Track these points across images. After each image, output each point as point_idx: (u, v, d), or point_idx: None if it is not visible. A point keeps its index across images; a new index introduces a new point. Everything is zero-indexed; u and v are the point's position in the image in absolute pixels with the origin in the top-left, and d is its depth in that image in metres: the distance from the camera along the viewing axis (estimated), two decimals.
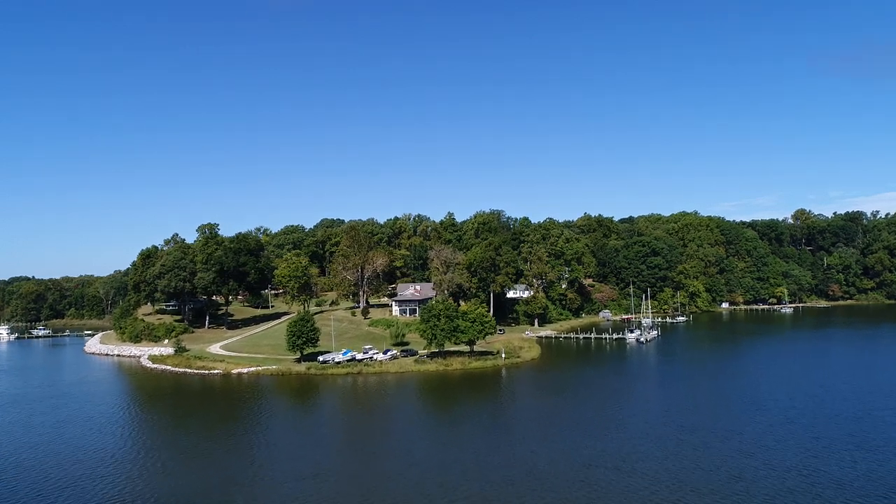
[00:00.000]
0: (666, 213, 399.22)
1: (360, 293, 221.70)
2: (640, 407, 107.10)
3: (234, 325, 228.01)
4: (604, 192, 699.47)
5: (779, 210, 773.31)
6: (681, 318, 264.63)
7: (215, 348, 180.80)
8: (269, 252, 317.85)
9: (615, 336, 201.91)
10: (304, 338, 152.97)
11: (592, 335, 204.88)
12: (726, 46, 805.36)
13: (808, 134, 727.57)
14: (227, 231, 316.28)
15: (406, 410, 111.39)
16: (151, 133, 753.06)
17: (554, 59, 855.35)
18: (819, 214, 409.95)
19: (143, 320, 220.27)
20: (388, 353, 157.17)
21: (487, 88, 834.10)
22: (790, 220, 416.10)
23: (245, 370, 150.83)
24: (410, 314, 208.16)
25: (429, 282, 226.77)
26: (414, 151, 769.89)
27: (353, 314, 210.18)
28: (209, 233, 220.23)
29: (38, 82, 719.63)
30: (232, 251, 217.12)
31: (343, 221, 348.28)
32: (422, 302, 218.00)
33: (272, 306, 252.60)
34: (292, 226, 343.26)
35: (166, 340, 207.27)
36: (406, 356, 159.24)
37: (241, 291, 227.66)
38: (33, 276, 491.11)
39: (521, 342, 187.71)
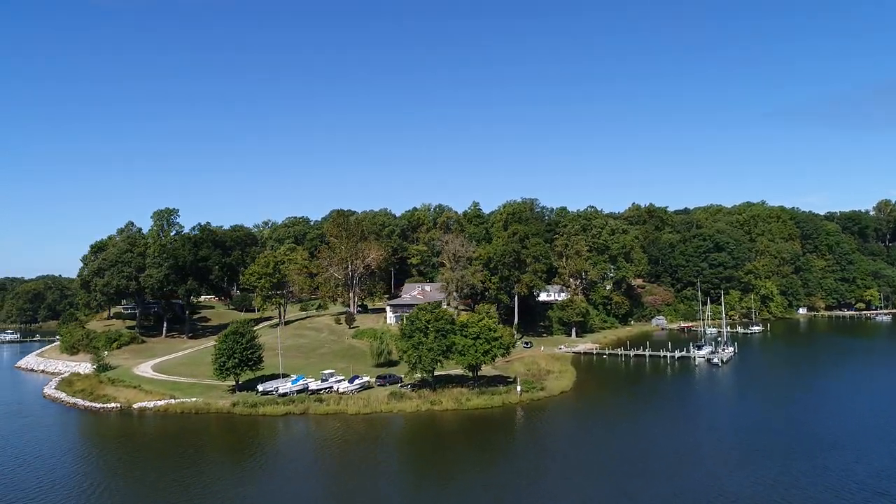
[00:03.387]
0: (727, 205, 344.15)
1: (350, 295, 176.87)
2: None
3: (201, 333, 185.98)
4: (652, 181, 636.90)
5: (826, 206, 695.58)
6: (756, 328, 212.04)
7: (145, 367, 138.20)
8: (270, 247, 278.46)
9: (677, 353, 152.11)
10: (236, 358, 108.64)
11: (646, 352, 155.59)
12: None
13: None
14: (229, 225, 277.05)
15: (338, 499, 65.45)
16: (160, 121, 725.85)
17: (599, 36, 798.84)
18: None
19: (83, 327, 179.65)
20: (357, 382, 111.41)
21: (526, 69, 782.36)
22: (871, 213, 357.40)
23: (152, 404, 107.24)
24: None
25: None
26: (439, 138, 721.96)
27: (338, 321, 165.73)
28: (166, 221, 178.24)
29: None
30: (191, 243, 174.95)
31: (355, 213, 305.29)
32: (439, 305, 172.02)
33: (258, 310, 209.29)
34: (295, 217, 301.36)
35: (105, 353, 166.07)
36: (384, 384, 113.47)
37: (202, 292, 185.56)
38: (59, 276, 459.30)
39: (549, 361, 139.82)
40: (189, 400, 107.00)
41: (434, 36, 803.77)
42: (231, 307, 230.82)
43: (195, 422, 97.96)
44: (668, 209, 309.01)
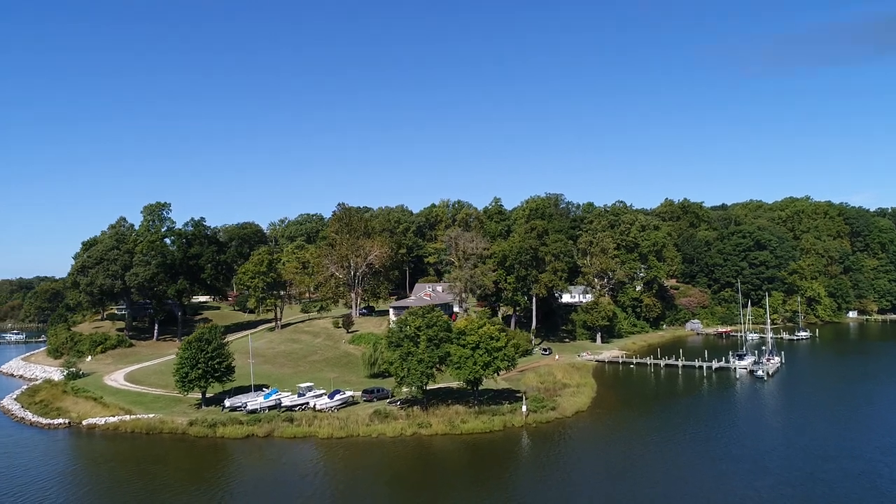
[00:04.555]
0: (768, 201, 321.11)
1: (352, 296, 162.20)
2: None
3: None
4: (687, 176, 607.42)
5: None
6: (803, 334, 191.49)
7: (118, 375, 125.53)
8: (282, 245, 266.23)
9: (715, 364, 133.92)
10: (200, 369, 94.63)
11: (680, 361, 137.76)
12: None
13: None
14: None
15: None
16: (173, 120, 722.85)
17: (631, 25, 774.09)
18: None
19: (68, 330, 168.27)
20: (338, 398, 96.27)
21: (553, 59, 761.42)
22: None
23: (103, 420, 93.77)
24: None
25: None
26: (461, 133, 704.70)
27: (337, 325, 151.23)
28: (157, 216, 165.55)
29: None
30: (183, 239, 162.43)
31: (370, 209, 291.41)
32: (431, 308, 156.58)
33: (254, 311, 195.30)
34: (307, 214, 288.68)
35: (88, 357, 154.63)
36: (371, 400, 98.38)
37: (195, 292, 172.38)
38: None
39: (567, 372, 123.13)
40: (145, 416, 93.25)
41: (456, 29, 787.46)
42: (236, 308, 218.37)
43: (142, 444, 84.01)
44: (703, 205, 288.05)
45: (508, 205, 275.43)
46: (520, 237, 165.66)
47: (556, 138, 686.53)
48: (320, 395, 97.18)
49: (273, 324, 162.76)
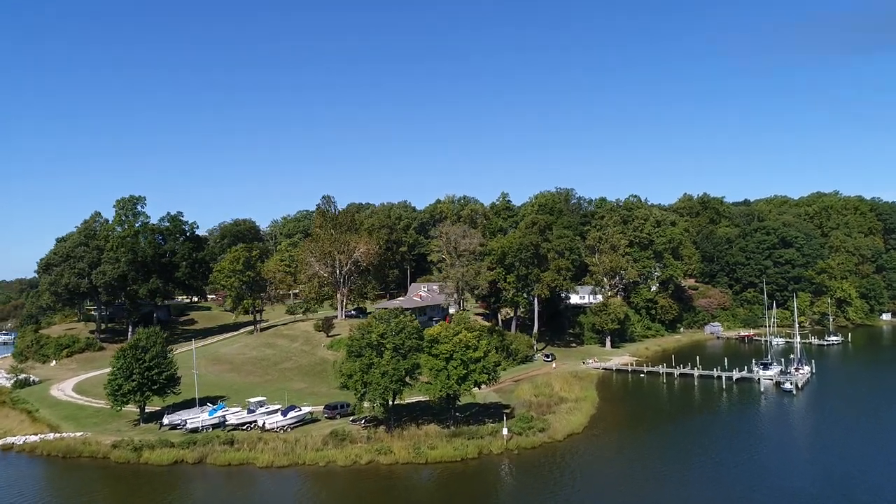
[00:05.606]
0: (794, 196, 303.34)
1: (338, 296, 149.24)
2: None
3: (172, 340, 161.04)
4: (706, 171, 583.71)
5: None
6: (834, 338, 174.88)
7: (67, 384, 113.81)
8: (278, 243, 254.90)
9: (736, 374, 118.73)
10: (135, 381, 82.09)
11: (696, 370, 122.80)
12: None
13: None
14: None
15: None
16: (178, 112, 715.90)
17: (646, 12, 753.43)
18: None
19: (35, 332, 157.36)
20: (292, 415, 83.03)
21: (566, 50, 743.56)
22: None
23: (22, 440, 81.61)
24: None
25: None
26: (469, 125, 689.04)
27: (318, 328, 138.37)
28: (130, 211, 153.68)
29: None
30: (157, 235, 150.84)
31: (372, 205, 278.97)
32: (424, 310, 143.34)
33: (232, 311, 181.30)
34: (306, 211, 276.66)
35: (54, 362, 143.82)
36: (334, 417, 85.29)
37: (169, 292, 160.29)
38: None
39: (567, 383, 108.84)
40: (70, 436, 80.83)
41: (465, 20, 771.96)
42: (225, 309, 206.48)
43: (53, 471, 71.62)
44: (724, 199, 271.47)
45: (517, 200, 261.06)
46: (520, 232, 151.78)
47: (569, 131, 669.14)
48: (273, 412, 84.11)
49: (248, 329, 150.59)
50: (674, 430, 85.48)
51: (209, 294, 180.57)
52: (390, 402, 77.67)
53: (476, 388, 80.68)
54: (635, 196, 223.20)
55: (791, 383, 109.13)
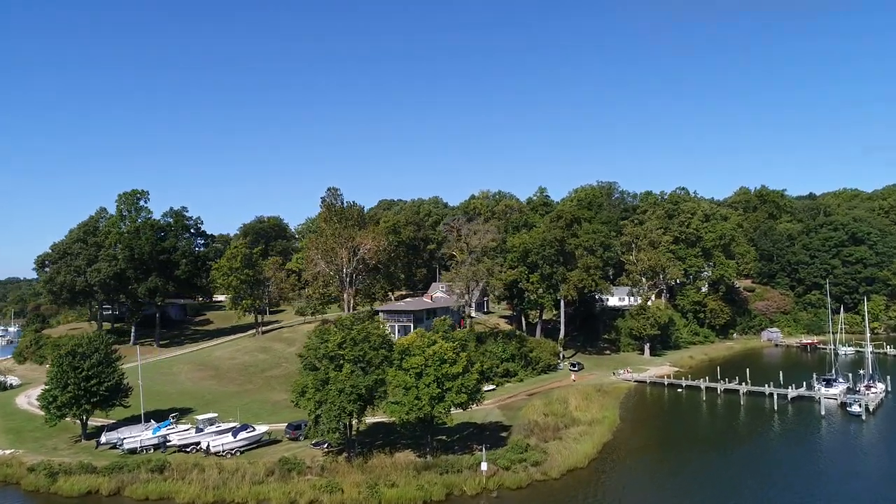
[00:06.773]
0: (867, 189, 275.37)
1: (345, 296, 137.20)
2: None
3: (184, 340, 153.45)
4: (767, 164, 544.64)
5: None
6: None
7: (34, 392, 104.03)
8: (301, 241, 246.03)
9: (792, 391, 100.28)
10: (70, 392, 71.44)
11: (743, 386, 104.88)
12: None
13: None
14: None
15: None
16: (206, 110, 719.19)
17: None
18: None
19: (36, 332, 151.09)
20: (243, 436, 70.38)
21: (618, 37, 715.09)
22: None
23: None
24: (402, 333, 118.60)
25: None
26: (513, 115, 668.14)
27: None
28: (132, 206, 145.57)
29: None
30: (154, 231, 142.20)
31: (403, 202, 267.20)
32: (434, 312, 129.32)
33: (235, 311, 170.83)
34: None
35: (47, 365, 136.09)
36: (298, 437, 72.65)
37: (169, 290, 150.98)
38: None
39: (585, 399, 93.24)
40: None
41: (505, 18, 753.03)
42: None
43: None
44: (785, 192, 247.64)
45: (556, 195, 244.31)
46: (544, 227, 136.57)
47: (615, 122, 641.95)
48: (224, 432, 71.87)
49: (253, 331, 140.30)
50: (705, 464, 68.98)
51: (215, 294, 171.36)
52: (351, 426, 64.29)
53: (465, 407, 66.44)
54: (683, 188, 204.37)
55: (860, 405, 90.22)
